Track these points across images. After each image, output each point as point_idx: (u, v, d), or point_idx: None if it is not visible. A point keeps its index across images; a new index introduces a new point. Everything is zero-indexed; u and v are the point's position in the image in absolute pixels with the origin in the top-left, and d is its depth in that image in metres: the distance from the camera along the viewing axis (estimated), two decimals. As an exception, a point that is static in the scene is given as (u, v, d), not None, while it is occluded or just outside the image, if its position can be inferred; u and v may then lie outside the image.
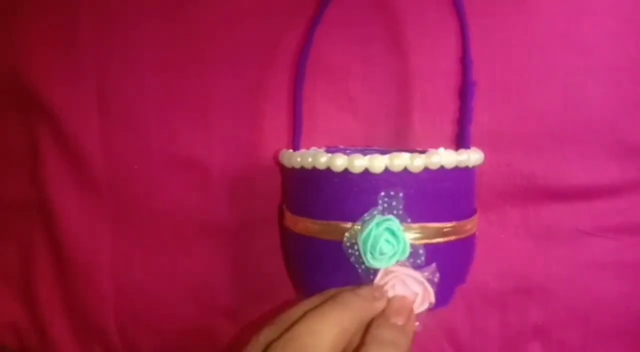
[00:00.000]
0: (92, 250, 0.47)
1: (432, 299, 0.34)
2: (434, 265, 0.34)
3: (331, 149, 0.43)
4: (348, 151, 0.41)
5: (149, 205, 0.46)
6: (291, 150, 0.41)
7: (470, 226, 0.37)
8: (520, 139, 0.44)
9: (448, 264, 0.35)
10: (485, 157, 0.41)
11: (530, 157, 0.45)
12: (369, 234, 0.33)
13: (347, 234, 0.34)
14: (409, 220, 0.34)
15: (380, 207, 0.34)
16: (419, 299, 0.34)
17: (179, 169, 0.46)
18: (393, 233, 0.33)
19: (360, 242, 0.33)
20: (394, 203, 0.34)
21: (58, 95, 0.45)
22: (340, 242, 0.34)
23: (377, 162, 0.34)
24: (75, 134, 0.45)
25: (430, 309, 0.34)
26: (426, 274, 0.34)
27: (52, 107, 0.45)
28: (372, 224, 0.33)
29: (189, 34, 0.45)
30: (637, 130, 0.44)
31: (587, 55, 0.44)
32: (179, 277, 0.47)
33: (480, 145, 0.41)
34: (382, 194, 0.34)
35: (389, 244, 0.33)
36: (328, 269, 0.36)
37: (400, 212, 0.34)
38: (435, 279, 0.34)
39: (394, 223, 0.33)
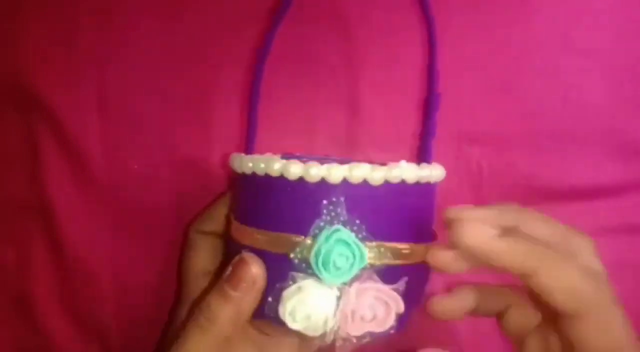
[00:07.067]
0: (92, 250, 0.47)
1: (401, 309, 0.33)
2: (404, 279, 0.33)
3: (287, 156, 0.41)
4: (304, 159, 0.39)
5: (149, 205, 0.46)
6: (242, 154, 0.38)
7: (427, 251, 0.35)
8: (520, 139, 0.44)
9: (407, 286, 0.33)
10: (485, 157, 0.41)
11: (530, 157, 0.45)
12: (319, 251, 0.31)
13: (297, 249, 0.32)
14: (357, 222, 0.32)
15: (325, 218, 0.32)
16: (392, 314, 0.33)
17: (179, 169, 0.46)
18: (345, 243, 0.31)
19: (312, 260, 0.31)
20: (338, 210, 0.32)
21: (58, 95, 0.45)
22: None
23: (335, 172, 0.32)
24: (75, 134, 0.45)
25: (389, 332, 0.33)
26: (395, 287, 0.33)
27: (52, 107, 0.45)
28: (322, 239, 0.31)
29: (189, 34, 0.45)
30: (637, 130, 0.44)
31: (587, 56, 0.44)
32: (178, 277, 0.47)
33: (479, 145, 0.41)
34: (325, 202, 0.32)
35: (341, 256, 0.31)
36: (275, 284, 0.34)
37: (345, 217, 0.32)
38: (401, 288, 0.33)
39: (343, 232, 0.31)
